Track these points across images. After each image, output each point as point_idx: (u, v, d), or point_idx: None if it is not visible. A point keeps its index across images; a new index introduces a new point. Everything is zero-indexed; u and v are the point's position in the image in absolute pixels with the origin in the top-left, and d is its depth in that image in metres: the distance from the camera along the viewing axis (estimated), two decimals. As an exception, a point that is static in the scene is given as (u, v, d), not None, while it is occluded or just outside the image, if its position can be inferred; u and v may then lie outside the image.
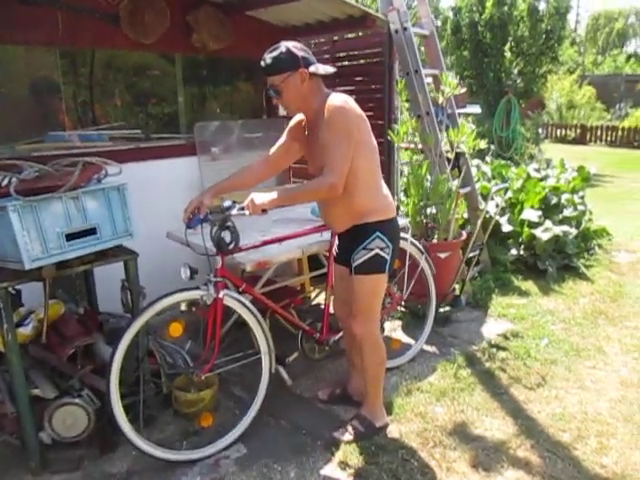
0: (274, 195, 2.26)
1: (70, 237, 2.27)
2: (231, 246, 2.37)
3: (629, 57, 29.69)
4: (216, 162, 4.21)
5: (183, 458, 2.42)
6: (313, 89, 2.29)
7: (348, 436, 2.53)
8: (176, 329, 2.34)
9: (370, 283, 2.44)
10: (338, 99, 2.22)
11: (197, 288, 2.36)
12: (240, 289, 2.52)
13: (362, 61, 4.73)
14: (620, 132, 15.54)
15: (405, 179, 4.23)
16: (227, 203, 2.30)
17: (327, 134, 2.20)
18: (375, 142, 2.38)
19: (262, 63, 2.25)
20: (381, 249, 2.39)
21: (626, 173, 10.81)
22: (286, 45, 2.23)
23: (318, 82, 2.31)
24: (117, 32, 3.59)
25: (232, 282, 2.52)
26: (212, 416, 2.58)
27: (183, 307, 3.79)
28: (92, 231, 2.35)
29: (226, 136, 4.32)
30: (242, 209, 2.27)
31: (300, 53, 2.24)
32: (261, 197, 2.23)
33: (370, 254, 2.38)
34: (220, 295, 2.36)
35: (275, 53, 2.22)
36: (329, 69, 2.29)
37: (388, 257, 2.41)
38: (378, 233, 2.38)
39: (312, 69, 2.24)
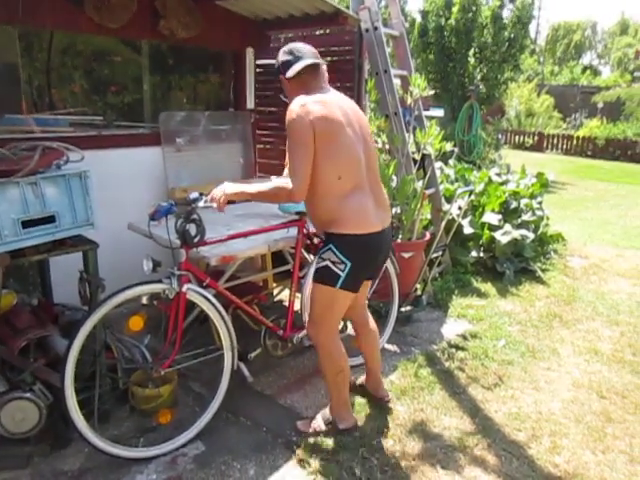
0: (241, 187, 2.30)
1: (27, 224, 2.18)
2: (196, 239, 2.33)
3: (585, 69, 30.83)
4: (181, 153, 4.12)
5: (139, 455, 2.36)
6: (297, 91, 2.27)
7: (308, 429, 2.54)
8: (136, 323, 2.28)
9: (319, 292, 2.37)
10: (296, 104, 2.19)
11: (159, 281, 2.30)
12: (204, 283, 2.47)
13: (330, 58, 4.72)
14: (575, 141, 16.16)
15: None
16: (194, 195, 2.26)
17: (288, 140, 2.20)
18: (347, 146, 2.22)
19: None
20: (333, 263, 2.26)
21: (580, 181, 11.19)
22: (281, 50, 2.32)
23: (302, 83, 2.28)
24: (81, 15, 3.45)
25: (196, 276, 2.46)
26: (170, 412, 2.52)
27: (144, 300, 3.68)
28: (51, 219, 2.26)
29: (192, 127, 4.22)
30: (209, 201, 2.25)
31: (282, 58, 2.30)
32: (231, 186, 2.27)
33: (322, 264, 2.31)
34: (183, 289, 2.31)
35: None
36: (296, 68, 2.25)
37: (342, 274, 2.25)
38: (331, 245, 2.27)
39: (289, 74, 2.26)
